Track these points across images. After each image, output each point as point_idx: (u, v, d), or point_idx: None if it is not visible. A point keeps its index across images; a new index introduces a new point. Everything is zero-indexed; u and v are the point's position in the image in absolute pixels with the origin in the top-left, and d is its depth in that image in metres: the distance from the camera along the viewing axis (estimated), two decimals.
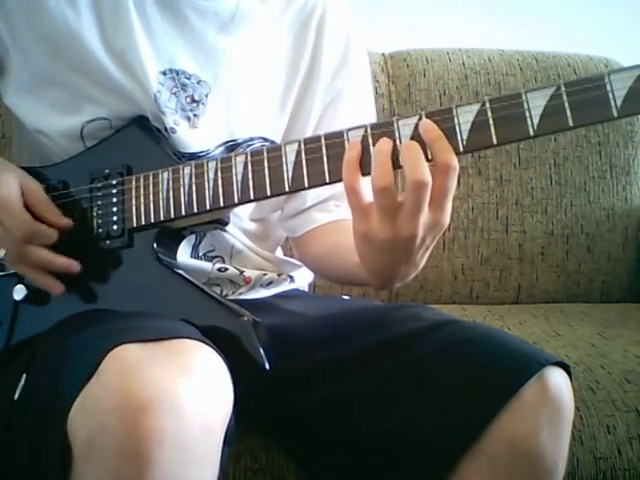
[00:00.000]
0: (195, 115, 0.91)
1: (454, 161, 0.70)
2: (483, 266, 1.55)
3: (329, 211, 1.01)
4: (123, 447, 0.62)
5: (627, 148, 1.61)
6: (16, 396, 0.78)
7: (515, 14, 1.89)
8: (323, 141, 0.76)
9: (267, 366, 0.76)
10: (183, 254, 0.93)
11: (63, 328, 0.81)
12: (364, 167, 0.72)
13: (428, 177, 0.70)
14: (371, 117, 1.05)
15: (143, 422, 0.62)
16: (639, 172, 1.61)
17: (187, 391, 0.64)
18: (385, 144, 0.72)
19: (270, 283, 1.04)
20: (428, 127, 0.71)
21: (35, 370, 0.79)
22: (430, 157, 0.71)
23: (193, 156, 0.90)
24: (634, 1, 1.88)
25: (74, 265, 0.83)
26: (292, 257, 1.10)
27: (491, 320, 1.38)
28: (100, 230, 0.86)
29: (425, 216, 0.71)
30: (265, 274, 1.02)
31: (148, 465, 0.62)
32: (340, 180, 0.74)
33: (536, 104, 0.68)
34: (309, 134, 0.99)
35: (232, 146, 0.93)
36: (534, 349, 0.82)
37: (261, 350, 0.76)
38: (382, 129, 0.74)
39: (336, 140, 0.75)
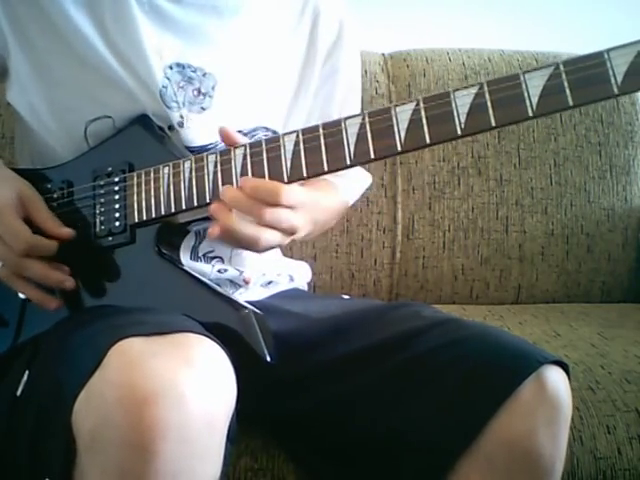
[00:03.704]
0: (203, 108, 0.92)
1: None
2: (483, 266, 1.55)
3: None
4: (127, 439, 0.62)
5: (627, 148, 1.60)
6: (18, 392, 0.78)
7: (515, 14, 1.88)
8: (321, 130, 0.77)
9: (269, 358, 0.76)
10: (182, 256, 0.93)
11: (66, 325, 0.81)
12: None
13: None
14: (358, 97, 1.10)
15: (147, 414, 0.62)
16: (639, 172, 1.61)
17: (190, 384, 0.65)
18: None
19: (270, 283, 1.04)
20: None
21: (38, 366, 0.79)
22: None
23: (201, 149, 0.91)
24: (634, 1, 1.88)
25: (68, 282, 0.84)
26: (291, 257, 1.10)
27: (491, 320, 1.38)
28: (102, 227, 0.86)
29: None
30: (264, 274, 1.02)
31: (152, 457, 0.62)
32: (339, 169, 0.76)
33: (534, 84, 0.68)
34: (306, 116, 1.01)
35: None
36: (532, 347, 0.82)
37: (263, 342, 0.76)
38: (379, 116, 0.74)
39: (334, 129, 0.76)
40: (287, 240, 0.81)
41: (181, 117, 0.90)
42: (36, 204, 0.84)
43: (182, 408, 0.63)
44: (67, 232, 0.84)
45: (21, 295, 0.87)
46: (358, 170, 1.16)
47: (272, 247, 0.81)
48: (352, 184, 1.13)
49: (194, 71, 0.92)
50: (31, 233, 0.81)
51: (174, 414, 0.63)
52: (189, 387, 0.64)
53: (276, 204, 0.77)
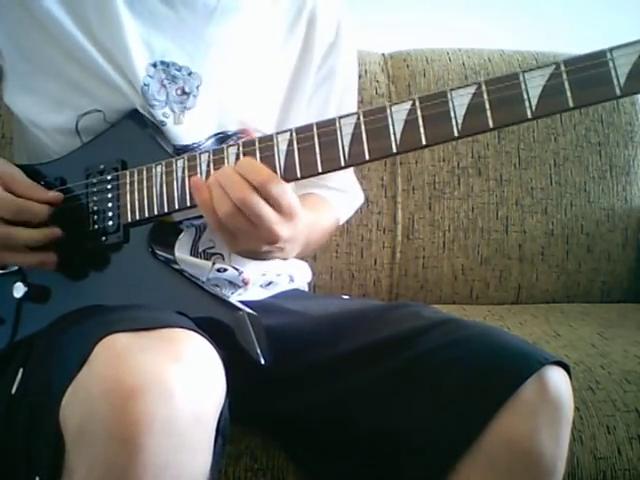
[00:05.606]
0: (186, 107, 0.91)
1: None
2: (483, 266, 1.55)
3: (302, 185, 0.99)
4: (113, 433, 0.62)
5: (627, 148, 1.60)
6: (13, 390, 0.78)
7: (515, 14, 1.88)
8: (315, 130, 0.75)
9: (262, 361, 0.76)
10: (183, 251, 0.93)
11: (58, 323, 0.81)
12: None
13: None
14: (354, 98, 1.09)
15: (133, 408, 0.62)
16: (639, 172, 1.61)
17: (177, 378, 0.64)
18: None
19: (269, 283, 1.04)
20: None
21: (31, 364, 0.79)
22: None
23: (185, 148, 0.90)
24: (634, 1, 1.88)
25: (56, 231, 0.84)
26: None
27: (491, 320, 1.38)
28: (96, 226, 0.86)
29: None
30: (264, 274, 1.02)
31: (138, 450, 0.62)
32: (333, 170, 0.75)
33: (534, 84, 0.66)
34: (302, 121, 0.99)
35: (222, 138, 0.93)
36: (533, 348, 0.82)
37: (256, 344, 0.76)
38: (374, 115, 0.73)
39: (328, 128, 0.75)
40: (267, 248, 0.79)
41: (164, 116, 0.90)
42: (15, 177, 0.84)
43: (169, 402, 0.63)
44: (54, 195, 0.85)
45: (15, 294, 0.87)
46: (354, 185, 1.16)
47: (250, 249, 0.79)
48: (348, 200, 1.12)
49: (179, 70, 0.91)
50: (15, 197, 0.81)
51: (160, 408, 0.63)
52: (176, 381, 0.64)
53: (275, 190, 0.74)
